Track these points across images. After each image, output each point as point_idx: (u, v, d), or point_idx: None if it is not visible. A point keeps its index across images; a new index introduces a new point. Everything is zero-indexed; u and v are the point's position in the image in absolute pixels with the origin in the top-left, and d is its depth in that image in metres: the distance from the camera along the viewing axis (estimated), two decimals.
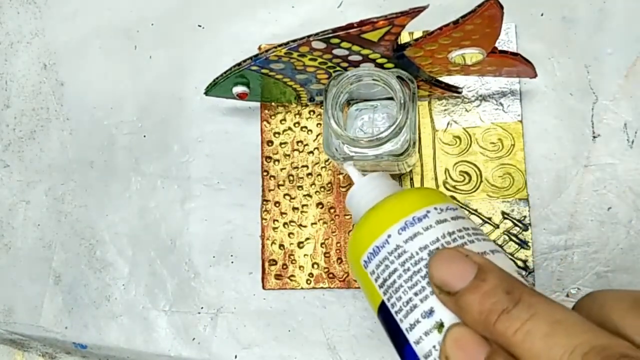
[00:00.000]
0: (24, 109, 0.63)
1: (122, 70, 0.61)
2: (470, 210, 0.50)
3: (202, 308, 0.55)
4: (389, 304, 0.33)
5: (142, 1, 0.61)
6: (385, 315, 0.33)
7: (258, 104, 0.56)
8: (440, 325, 0.30)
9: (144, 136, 0.59)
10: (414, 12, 0.37)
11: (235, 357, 0.54)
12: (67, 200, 0.60)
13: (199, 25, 0.59)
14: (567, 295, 0.48)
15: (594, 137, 0.49)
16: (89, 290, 0.59)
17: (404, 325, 0.31)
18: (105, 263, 0.58)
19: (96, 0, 0.62)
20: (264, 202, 0.55)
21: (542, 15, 0.51)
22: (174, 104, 0.59)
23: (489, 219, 0.50)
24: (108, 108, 0.60)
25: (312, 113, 0.54)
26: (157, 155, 0.58)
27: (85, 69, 0.62)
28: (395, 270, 0.33)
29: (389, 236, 0.34)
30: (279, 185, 0.54)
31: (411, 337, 0.31)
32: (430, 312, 0.30)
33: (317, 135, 0.54)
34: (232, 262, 0.55)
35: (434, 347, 0.29)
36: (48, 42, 0.63)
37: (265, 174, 0.55)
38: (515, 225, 0.49)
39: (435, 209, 0.34)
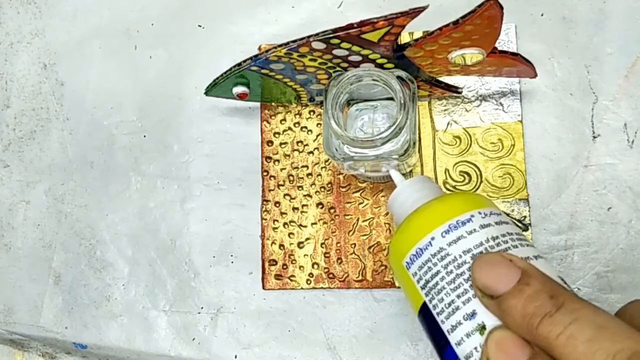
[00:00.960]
0: (24, 109, 0.63)
1: (122, 70, 0.61)
2: None
3: (202, 308, 0.55)
4: (430, 306, 0.33)
5: (142, 1, 0.61)
6: (426, 316, 0.34)
7: (258, 104, 0.56)
8: (482, 328, 0.30)
9: (144, 136, 0.59)
10: (414, 13, 0.37)
11: (235, 357, 0.54)
12: (67, 200, 0.60)
13: (199, 25, 0.59)
14: None
15: (594, 137, 0.49)
16: (89, 290, 0.59)
17: (445, 327, 0.32)
18: (105, 263, 0.58)
19: (96, 0, 0.62)
20: (264, 202, 0.55)
21: (542, 15, 0.51)
22: (174, 104, 0.59)
23: None
24: (108, 108, 0.60)
25: (312, 113, 0.54)
26: (157, 155, 0.58)
27: (85, 69, 0.62)
28: (438, 272, 0.33)
29: (433, 239, 0.34)
30: (279, 186, 0.54)
31: (452, 338, 0.31)
32: (473, 314, 0.31)
33: (317, 136, 0.54)
34: (232, 262, 0.55)
35: (475, 348, 0.30)
36: (48, 42, 0.63)
37: (265, 174, 0.55)
38: (516, 225, 0.49)
39: (480, 213, 0.35)
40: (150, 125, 0.59)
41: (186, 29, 0.59)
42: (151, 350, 0.56)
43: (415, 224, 0.36)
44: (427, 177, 0.42)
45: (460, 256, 0.33)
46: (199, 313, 0.55)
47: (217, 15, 0.59)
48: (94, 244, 0.59)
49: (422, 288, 0.34)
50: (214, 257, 0.56)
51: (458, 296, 0.32)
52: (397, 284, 0.51)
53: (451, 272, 0.33)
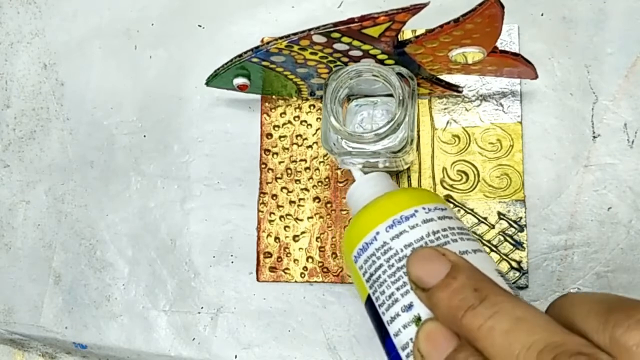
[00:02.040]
0: (24, 109, 0.63)
1: (122, 70, 0.61)
2: (467, 209, 0.50)
3: (202, 308, 0.55)
4: (373, 298, 0.35)
5: (142, 1, 0.61)
6: (370, 308, 0.35)
7: (258, 105, 0.56)
8: (417, 319, 0.31)
9: (144, 136, 0.59)
10: (415, 9, 0.37)
11: (235, 357, 0.54)
12: (67, 200, 0.60)
13: (199, 25, 0.59)
14: None
15: (594, 137, 0.49)
16: (89, 290, 0.58)
17: (385, 318, 0.33)
18: (105, 263, 0.58)
19: (96, 0, 0.62)
20: (261, 195, 0.55)
21: (542, 15, 0.51)
22: (174, 103, 0.59)
23: (485, 219, 0.50)
24: (108, 108, 0.60)
25: (312, 107, 0.54)
26: (157, 155, 0.58)
27: (85, 69, 0.62)
28: (380, 265, 0.34)
29: (377, 233, 0.35)
30: (276, 178, 0.54)
31: (391, 329, 0.33)
32: (410, 306, 0.32)
33: (317, 130, 0.54)
34: (232, 262, 0.55)
35: (411, 339, 0.31)
36: (48, 42, 0.64)
37: (263, 166, 0.55)
38: (511, 226, 0.49)
39: (424, 208, 0.36)
40: (150, 125, 0.59)
41: (186, 29, 0.59)
42: (151, 350, 0.56)
43: (363, 219, 0.37)
44: (384, 174, 0.42)
45: (402, 250, 0.34)
46: (199, 313, 0.55)
47: (217, 15, 0.59)
48: (94, 244, 0.59)
49: (367, 281, 0.35)
50: (214, 257, 0.56)
51: (397, 289, 0.33)
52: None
53: (392, 265, 0.34)
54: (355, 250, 0.37)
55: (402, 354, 0.32)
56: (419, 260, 0.31)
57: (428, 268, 0.30)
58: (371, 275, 0.35)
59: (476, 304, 0.28)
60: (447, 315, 0.29)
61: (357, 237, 0.37)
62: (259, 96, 0.56)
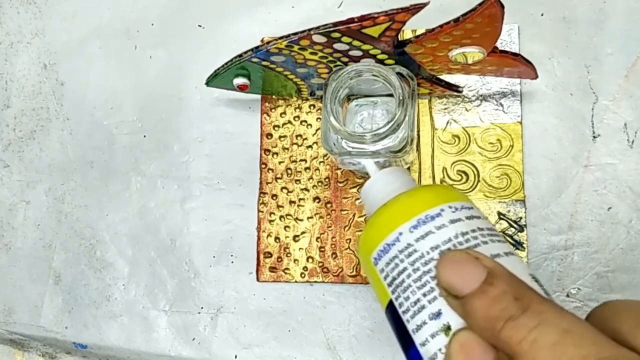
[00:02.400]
0: (24, 109, 0.63)
1: (122, 70, 0.61)
2: None
3: (202, 308, 0.55)
4: (396, 304, 0.32)
5: (142, 1, 0.61)
6: (392, 314, 0.33)
7: (258, 105, 0.56)
8: (447, 328, 0.29)
9: (144, 136, 0.59)
10: (415, 9, 0.37)
11: (235, 357, 0.54)
12: (67, 200, 0.60)
13: (199, 25, 0.59)
14: (567, 296, 0.48)
15: (594, 137, 0.49)
16: (89, 290, 0.58)
17: (410, 326, 0.31)
18: (105, 263, 0.58)
19: (96, 0, 0.62)
20: (261, 195, 0.55)
21: (542, 15, 0.51)
22: (174, 104, 0.59)
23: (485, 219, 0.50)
24: (108, 108, 0.60)
25: (312, 107, 0.54)
26: (157, 155, 0.58)
27: (85, 69, 0.62)
28: (404, 269, 0.32)
29: (400, 234, 0.33)
30: (276, 178, 0.55)
31: (417, 338, 0.30)
32: (438, 314, 0.29)
33: (317, 130, 0.54)
34: (232, 262, 0.55)
35: (440, 350, 0.29)
36: (48, 42, 0.64)
37: (263, 166, 0.55)
38: (511, 226, 0.49)
39: (450, 207, 0.33)
40: (150, 125, 0.59)
41: (186, 29, 0.59)
42: (151, 350, 0.56)
43: (384, 218, 0.35)
44: (401, 169, 0.40)
45: (428, 253, 0.31)
46: (199, 313, 0.55)
47: (217, 15, 0.59)
48: (94, 244, 0.59)
49: (389, 285, 0.33)
50: (214, 257, 0.56)
51: (424, 294, 0.30)
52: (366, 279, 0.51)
53: (418, 269, 0.31)
54: (375, 252, 0.34)
55: None
56: (450, 264, 0.28)
57: (461, 273, 0.28)
58: (394, 279, 0.32)
59: (517, 314, 0.25)
60: (483, 325, 0.26)
61: (378, 238, 0.34)
62: (259, 96, 0.56)
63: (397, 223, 0.33)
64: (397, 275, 0.32)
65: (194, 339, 0.55)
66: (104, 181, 0.60)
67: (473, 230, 0.32)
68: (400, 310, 0.32)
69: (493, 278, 0.27)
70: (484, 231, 0.33)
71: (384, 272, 0.33)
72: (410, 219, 0.33)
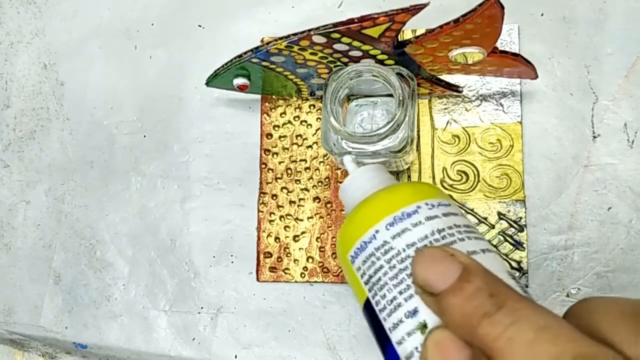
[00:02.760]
0: (24, 109, 0.63)
1: (122, 70, 0.61)
2: (467, 209, 0.50)
3: (202, 308, 0.55)
4: (373, 302, 0.32)
5: (142, 1, 0.61)
6: (369, 313, 0.32)
7: (258, 105, 0.56)
8: (423, 326, 0.29)
9: (144, 136, 0.59)
10: (415, 10, 0.37)
11: (235, 357, 0.54)
12: (67, 200, 0.60)
13: (199, 25, 0.59)
14: (567, 296, 0.48)
15: (594, 137, 0.49)
16: (89, 290, 0.58)
17: (387, 324, 0.30)
18: (105, 263, 0.58)
19: (96, 0, 0.62)
20: (261, 195, 0.55)
21: (542, 15, 0.51)
22: (174, 104, 0.59)
23: (485, 219, 0.50)
24: (108, 108, 0.60)
25: (312, 107, 0.54)
26: (157, 155, 0.58)
27: (85, 69, 0.62)
28: (381, 267, 0.31)
29: (377, 232, 0.32)
30: (276, 178, 0.55)
31: (394, 336, 0.30)
32: (414, 312, 0.29)
33: (317, 130, 0.54)
34: (232, 262, 0.55)
35: (416, 348, 0.28)
36: (48, 42, 0.64)
37: (263, 166, 0.55)
38: (511, 226, 0.49)
39: (427, 204, 0.33)
40: (150, 125, 0.59)
41: (186, 29, 0.59)
42: (151, 350, 0.56)
43: (360, 215, 0.34)
44: (380, 166, 0.39)
45: (404, 250, 0.31)
46: (199, 313, 0.55)
47: (217, 15, 0.59)
48: (94, 244, 0.59)
49: (366, 283, 0.32)
50: (214, 257, 0.56)
51: (400, 292, 0.30)
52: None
53: (394, 267, 0.31)
54: (352, 250, 0.33)
55: None
56: (425, 261, 0.28)
57: (436, 270, 0.27)
58: (370, 277, 0.32)
59: (493, 311, 0.25)
60: (459, 323, 0.26)
61: (354, 236, 0.33)
62: (259, 96, 0.56)
63: (374, 220, 0.33)
64: (374, 273, 0.32)
65: (194, 339, 0.55)
66: (104, 181, 0.60)
67: (450, 227, 0.32)
68: (377, 309, 0.31)
69: (468, 275, 0.27)
70: (461, 228, 0.32)
71: (360, 270, 0.33)
72: (387, 216, 0.32)
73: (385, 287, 0.31)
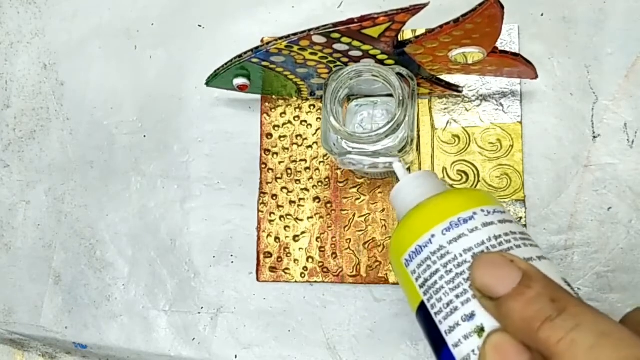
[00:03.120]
0: (24, 109, 0.63)
1: (122, 70, 0.61)
2: None
3: (202, 308, 0.55)
4: (428, 305, 0.32)
5: (142, 1, 0.61)
6: (424, 315, 0.33)
7: (258, 105, 0.56)
8: (480, 330, 0.29)
9: (144, 136, 0.59)
10: (415, 10, 0.37)
11: (235, 357, 0.54)
12: (67, 200, 0.60)
13: (199, 25, 0.59)
14: None
15: (594, 137, 0.49)
16: (89, 290, 0.58)
17: (443, 327, 0.31)
18: (105, 263, 0.58)
19: (96, 0, 0.62)
20: (261, 195, 0.55)
21: (542, 15, 0.51)
22: (174, 104, 0.59)
23: None
24: (108, 108, 0.60)
25: (312, 107, 0.54)
26: (157, 155, 0.58)
27: (85, 69, 0.62)
28: (437, 271, 0.32)
29: (433, 236, 0.33)
30: (276, 178, 0.55)
31: (450, 339, 0.30)
32: (471, 315, 0.30)
33: (317, 130, 0.54)
34: (232, 262, 0.55)
35: (473, 351, 0.29)
36: (48, 42, 0.64)
37: (263, 166, 0.55)
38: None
39: (482, 210, 0.33)
40: (150, 125, 0.59)
41: (186, 29, 0.59)
42: (151, 350, 0.56)
43: (415, 220, 0.35)
44: (431, 172, 0.40)
45: (461, 255, 0.32)
46: (199, 313, 0.55)
47: (217, 15, 0.59)
48: (94, 244, 0.59)
49: (421, 287, 0.33)
50: (214, 257, 0.56)
51: (457, 296, 0.31)
52: (392, 281, 0.51)
53: (451, 271, 0.31)
54: (406, 254, 0.34)
55: None
56: (485, 266, 0.29)
57: (497, 275, 0.28)
58: (426, 280, 0.33)
59: (554, 315, 0.26)
60: (519, 326, 0.27)
61: (409, 240, 0.34)
62: (259, 96, 0.56)
63: (430, 225, 0.33)
64: (430, 276, 0.32)
65: (194, 339, 0.55)
66: (104, 181, 0.60)
67: (506, 234, 0.32)
68: (432, 312, 0.32)
69: (529, 280, 0.27)
70: (517, 235, 0.33)
71: (415, 273, 0.33)
72: (443, 221, 0.33)
73: (441, 290, 0.31)
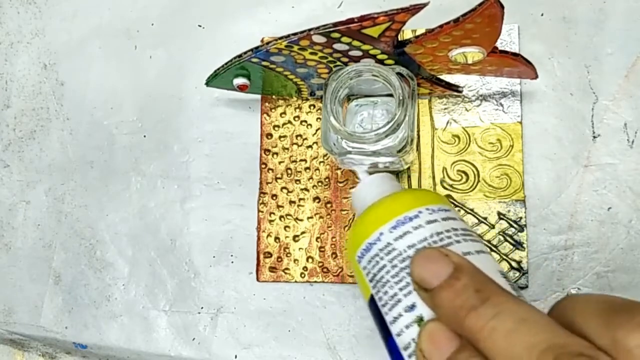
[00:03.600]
0: (24, 109, 0.63)
1: (122, 70, 0.61)
2: (467, 209, 0.50)
3: (202, 308, 0.55)
4: (376, 298, 0.34)
5: (142, 1, 0.61)
6: (373, 308, 0.35)
7: (258, 105, 0.56)
8: (420, 320, 0.31)
9: (144, 136, 0.59)
10: (414, 9, 0.37)
11: (235, 357, 0.54)
12: (67, 200, 0.60)
13: (199, 25, 0.59)
14: (568, 295, 0.48)
15: (594, 137, 0.49)
16: (89, 290, 0.58)
17: (388, 318, 0.33)
18: (105, 263, 0.58)
19: (96, 0, 0.62)
20: (261, 195, 0.55)
21: (542, 15, 0.51)
22: (174, 104, 0.59)
23: (485, 219, 0.50)
24: (108, 108, 0.60)
25: (312, 107, 0.54)
26: (157, 155, 0.58)
27: (85, 69, 0.62)
28: (384, 266, 0.34)
29: (381, 234, 0.35)
30: (276, 178, 0.55)
31: (394, 329, 0.32)
32: (412, 307, 0.32)
33: (317, 130, 0.54)
34: (232, 262, 0.55)
35: (413, 339, 0.31)
36: (48, 42, 0.64)
37: (263, 166, 0.55)
38: (511, 226, 0.49)
39: (427, 209, 0.35)
40: (150, 125, 0.59)
41: (186, 29, 0.59)
42: (151, 350, 0.56)
43: (367, 219, 0.37)
44: (389, 175, 0.42)
45: (405, 251, 0.33)
46: (199, 313, 0.55)
47: (217, 15, 0.59)
48: (94, 244, 0.59)
49: (370, 281, 0.35)
50: (214, 257, 0.56)
51: (400, 289, 0.33)
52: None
53: (395, 266, 0.33)
54: (358, 251, 0.36)
55: (405, 354, 0.32)
56: (422, 260, 0.31)
57: (431, 268, 0.30)
58: (374, 275, 0.34)
59: (478, 304, 0.28)
60: (449, 315, 0.29)
61: (361, 237, 0.36)
62: (259, 96, 0.56)
63: (379, 224, 0.35)
64: (377, 271, 0.34)
65: (194, 339, 0.55)
66: (104, 181, 0.60)
67: (447, 231, 0.34)
68: (379, 304, 0.34)
69: (459, 272, 0.29)
70: (458, 231, 0.35)
71: (366, 269, 0.35)
72: (390, 220, 0.35)
73: (387, 284, 0.33)
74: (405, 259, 0.33)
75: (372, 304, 0.35)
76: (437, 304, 0.30)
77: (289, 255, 0.54)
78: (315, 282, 0.53)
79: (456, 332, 0.29)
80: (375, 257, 0.35)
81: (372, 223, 0.36)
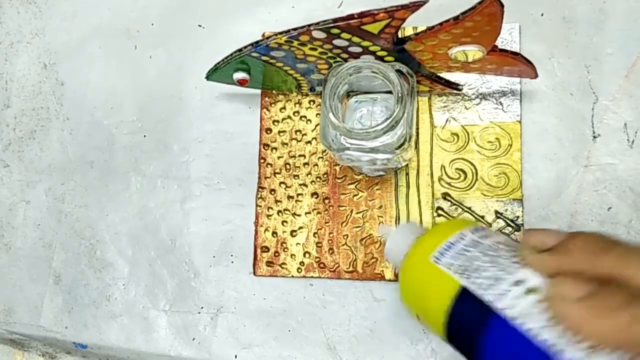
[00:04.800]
0: (24, 109, 0.63)
1: (122, 70, 0.61)
2: (464, 208, 0.50)
3: (202, 308, 0.55)
4: (471, 285, 0.36)
5: (142, 1, 0.61)
6: (464, 298, 0.36)
7: (258, 105, 0.56)
8: (530, 290, 0.33)
9: (144, 136, 0.59)
10: (414, 6, 0.37)
11: (235, 357, 0.54)
12: (67, 200, 0.60)
13: (199, 25, 0.59)
14: None
15: (594, 137, 0.49)
16: (89, 290, 0.58)
17: (489, 297, 0.34)
18: (105, 263, 0.58)
19: (96, 0, 0.62)
20: (260, 189, 0.55)
21: (542, 15, 0.51)
22: (174, 104, 0.59)
23: (482, 217, 0.50)
24: (108, 108, 0.60)
25: (312, 103, 0.54)
26: (157, 155, 0.58)
27: (85, 69, 0.62)
28: (476, 256, 0.37)
29: (463, 234, 0.39)
30: (275, 173, 0.55)
31: (501, 304, 0.33)
32: (518, 282, 0.33)
33: (316, 125, 0.54)
34: (232, 262, 0.55)
35: (530, 306, 0.32)
36: (48, 42, 0.64)
37: (262, 161, 0.55)
38: (508, 225, 0.49)
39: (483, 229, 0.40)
40: (150, 125, 0.59)
41: (186, 29, 0.59)
42: (151, 350, 0.56)
43: (437, 231, 0.41)
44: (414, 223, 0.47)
45: (494, 244, 0.37)
46: (199, 313, 0.55)
47: (217, 15, 0.59)
48: (94, 244, 0.59)
49: (461, 273, 0.36)
50: (214, 257, 0.56)
51: (501, 270, 0.35)
52: (389, 277, 0.51)
53: (487, 253, 0.36)
54: (435, 252, 0.38)
55: (515, 323, 0.33)
56: (535, 231, 0.36)
57: (546, 233, 0.35)
58: (466, 267, 0.36)
59: (611, 245, 0.32)
60: (581, 258, 0.32)
61: (436, 241, 0.39)
62: (259, 96, 0.56)
63: (456, 228, 0.39)
64: (468, 261, 0.37)
65: (194, 339, 0.55)
66: (104, 181, 0.60)
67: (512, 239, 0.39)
68: (475, 289, 0.35)
69: (573, 236, 0.34)
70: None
71: (452, 265, 0.37)
72: (469, 226, 0.40)
73: (482, 268, 0.36)
74: (496, 249, 0.37)
75: (463, 294, 0.36)
76: (567, 252, 0.33)
77: (286, 250, 0.54)
78: (312, 277, 0.53)
79: (587, 272, 0.31)
80: (462, 251, 0.37)
81: (448, 229, 0.40)
